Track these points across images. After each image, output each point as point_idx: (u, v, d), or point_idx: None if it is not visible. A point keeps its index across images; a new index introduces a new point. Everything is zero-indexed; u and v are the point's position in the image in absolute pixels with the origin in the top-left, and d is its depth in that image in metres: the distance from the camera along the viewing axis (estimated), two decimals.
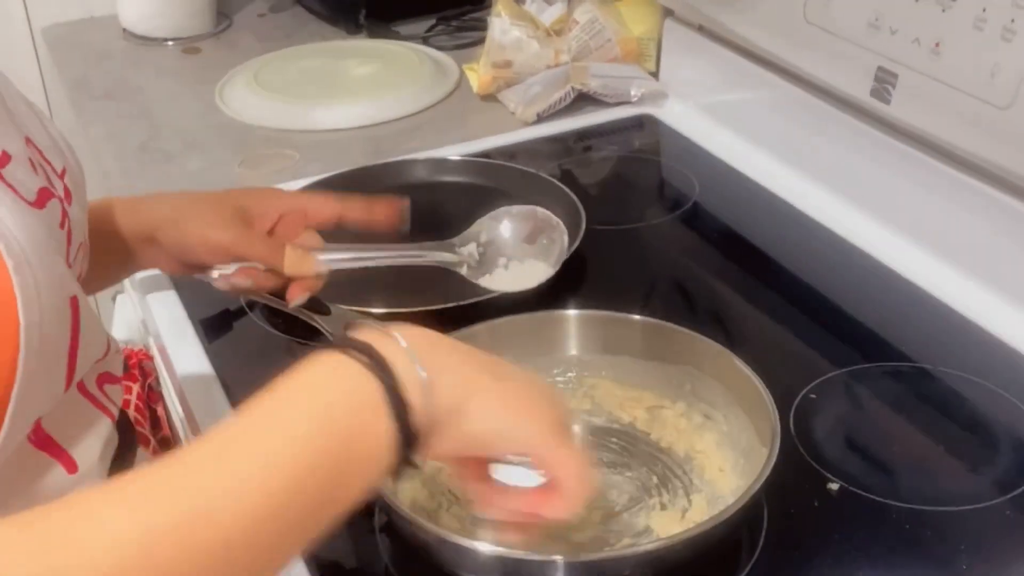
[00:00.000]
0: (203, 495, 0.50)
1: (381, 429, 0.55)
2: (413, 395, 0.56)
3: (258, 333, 1.00)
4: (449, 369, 0.59)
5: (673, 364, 0.88)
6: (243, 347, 0.96)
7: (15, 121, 0.70)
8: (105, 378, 0.75)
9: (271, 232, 0.91)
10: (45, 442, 0.67)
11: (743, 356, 0.83)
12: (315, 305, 0.93)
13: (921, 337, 0.99)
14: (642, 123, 1.41)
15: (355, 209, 0.93)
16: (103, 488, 0.50)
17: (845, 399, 0.92)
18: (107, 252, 0.88)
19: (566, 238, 0.91)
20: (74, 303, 0.64)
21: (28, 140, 0.70)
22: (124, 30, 1.76)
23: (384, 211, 0.93)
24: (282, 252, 0.89)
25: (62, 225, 0.68)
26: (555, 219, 0.91)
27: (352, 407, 0.55)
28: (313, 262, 0.90)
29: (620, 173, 1.33)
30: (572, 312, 0.92)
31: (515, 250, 0.91)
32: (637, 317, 0.90)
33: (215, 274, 0.90)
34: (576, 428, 0.70)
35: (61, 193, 0.70)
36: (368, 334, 0.58)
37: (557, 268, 0.89)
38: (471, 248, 0.91)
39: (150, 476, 0.51)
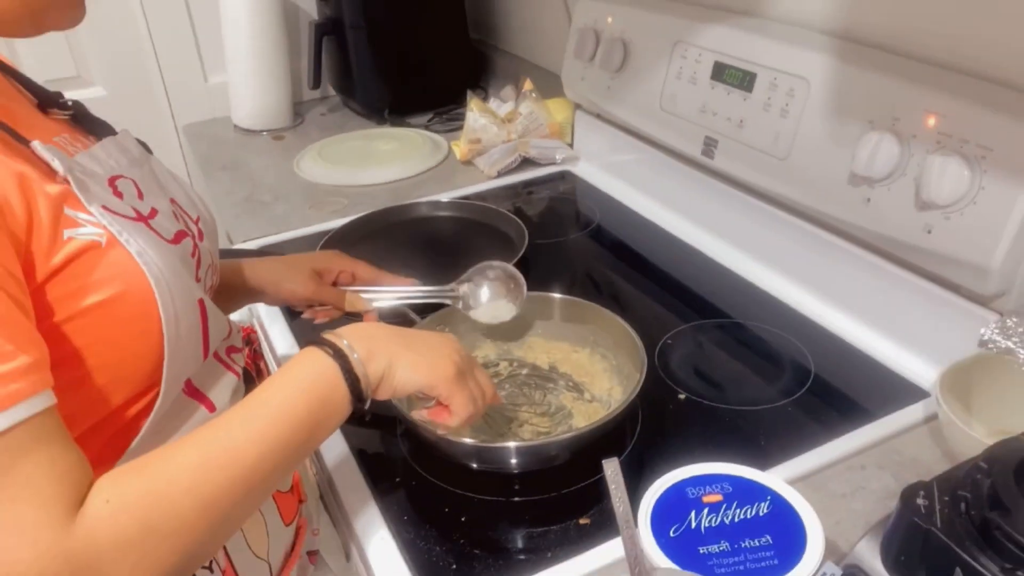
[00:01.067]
0: (235, 438, 0.54)
1: (340, 393, 0.59)
2: (357, 370, 0.60)
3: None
4: (377, 349, 0.62)
5: (582, 324, 0.88)
6: (310, 325, 0.95)
7: (162, 188, 0.68)
8: (231, 349, 0.73)
9: (335, 283, 0.88)
10: (193, 393, 0.66)
11: (626, 319, 0.82)
12: None
13: (736, 303, 0.98)
14: (564, 176, 1.38)
15: (385, 277, 0.90)
16: (186, 436, 0.53)
17: (690, 342, 0.92)
18: (234, 293, 0.85)
19: (525, 288, 0.88)
20: (201, 304, 0.62)
21: (172, 200, 0.68)
22: (235, 126, 1.70)
23: (404, 281, 0.91)
24: (343, 297, 0.87)
25: (192, 254, 0.66)
26: (519, 273, 0.89)
27: (323, 381, 0.59)
28: (363, 302, 0.87)
29: (551, 208, 1.29)
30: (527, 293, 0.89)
31: (493, 290, 0.89)
32: (558, 295, 0.89)
33: (305, 314, 0.89)
34: (476, 361, 0.70)
35: (195, 232, 0.68)
36: (329, 336, 0.61)
37: (519, 310, 0.87)
38: (465, 288, 0.88)
39: (206, 429, 0.54)
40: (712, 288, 1.02)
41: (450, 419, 0.66)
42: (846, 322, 0.91)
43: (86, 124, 0.68)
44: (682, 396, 0.82)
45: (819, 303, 0.95)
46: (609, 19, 1.20)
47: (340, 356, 0.60)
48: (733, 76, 0.99)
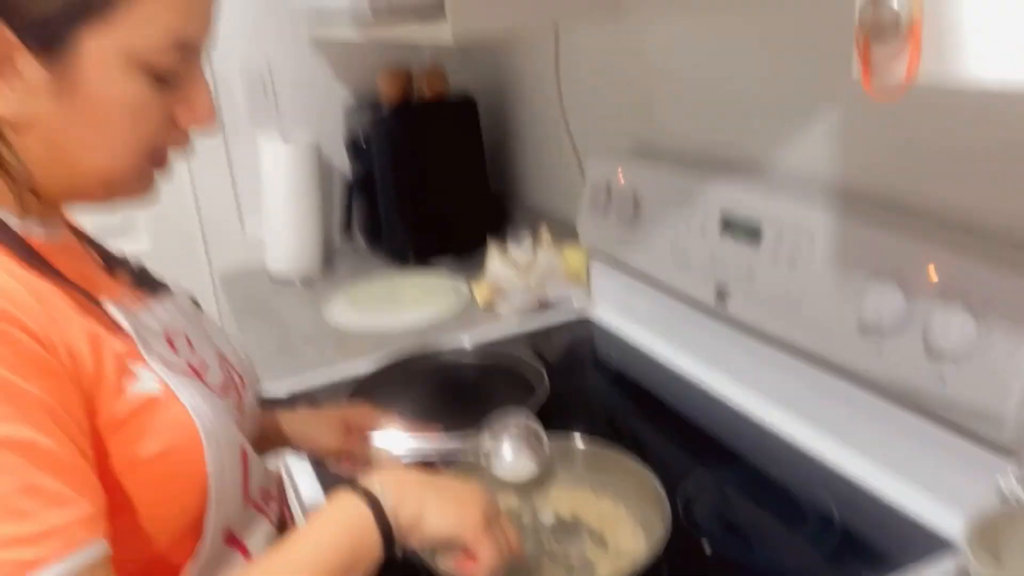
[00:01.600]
0: None
1: (373, 538, 0.60)
2: (389, 516, 0.60)
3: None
4: (408, 495, 0.62)
5: (604, 472, 0.87)
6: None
7: (211, 342, 0.71)
8: (266, 495, 0.75)
9: (363, 435, 0.90)
10: (232, 541, 0.67)
11: (647, 464, 0.82)
12: None
13: (756, 448, 0.97)
14: (582, 322, 1.40)
15: (413, 427, 0.92)
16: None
17: (712, 488, 0.90)
18: (265, 442, 0.86)
19: (547, 444, 0.88)
20: (243, 452, 0.64)
21: (219, 353, 0.71)
22: (269, 273, 1.77)
23: (430, 428, 0.93)
24: (370, 450, 0.89)
25: (237, 405, 0.69)
26: (540, 428, 0.89)
27: (356, 527, 0.60)
28: (389, 456, 0.89)
29: (570, 353, 1.31)
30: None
31: (516, 446, 0.88)
32: (580, 443, 0.90)
33: (331, 465, 0.91)
34: (501, 511, 0.70)
35: (238, 384, 0.71)
36: (362, 481, 0.62)
37: (541, 468, 0.87)
38: (488, 445, 0.88)
39: (247, 574, 0.57)
40: (731, 433, 1.02)
41: (477, 570, 0.65)
42: (866, 469, 0.90)
43: (147, 283, 0.73)
44: (708, 551, 0.81)
45: (838, 449, 0.94)
46: (620, 174, 1.27)
47: (373, 502, 0.60)
48: (741, 229, 1.03)
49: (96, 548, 0.49)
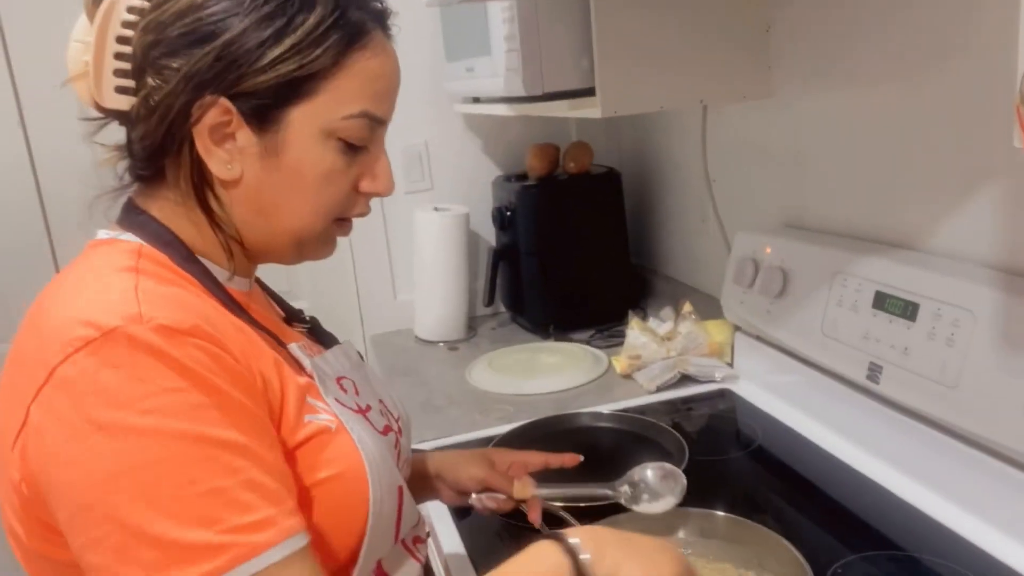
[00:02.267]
0: None
1: None
2: (585, 570, 0.59)
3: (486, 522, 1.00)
4: (606, 552, 0.61)
5: (745, 546, 0.86)
6: (482, 532, 0.98)
7: (373, 389, 0.78)
8: (416, 539, 0.78)
9: (506, 473, 0.93)
10: (381, 574, 0.71)
11: (792, 542, 0.81)
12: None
13: (909, 534, 0.92)
14: (723, 394, 1.38)
15: (553, 461, 0.95)
16: None
17: (860, 574, 0.87)
18: (416, 480, 0.91)
19: (684, 481, 0.89)
20: (400, 490, 0.69)
21: (380, 400, 0.77)
22: (416, 337, 1.86)
23: (568, 462, 0.96)
24: (512, 484, 0.91)
25: (395, 446, 0.74)
26: (678, 470, 0.90)
27: (553, 564, 0.59)
28: (531, 488, 0.90)
29: (710, 425, 1.29)
30: (686, 509, 0.90)
31: (654, 487, 0.90)
32: (721, 513, 0.89)
33: (474, 498, 0.93)
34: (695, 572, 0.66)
35: (396, 428, 0.77)
36: (564, 534, 0.62)
37: (679, 501, 0.88)
38: (626, 488, 0.90)
39: None
40: (882, 517, 0.97)
41: None
42: None
43: (318, 335, 0.81)
44: None
45: (998, 536, 0.88)
46: (768, 250, 1.27)
47: (571, 554, 0.60)
48: (895, 305, 1.01)
49: (305, 536, 0.56)
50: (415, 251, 1.83)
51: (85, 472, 0.52)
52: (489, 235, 1.94)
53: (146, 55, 0.62)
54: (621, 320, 1.65)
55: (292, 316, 0.82)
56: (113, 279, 0.59)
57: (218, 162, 0.64)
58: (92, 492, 0.52)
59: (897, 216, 1.10)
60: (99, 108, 0.65)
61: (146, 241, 0.65)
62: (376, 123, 0.68)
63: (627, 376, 1.48)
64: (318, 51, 0.62)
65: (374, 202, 1.95)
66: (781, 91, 1.29)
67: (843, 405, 1.14)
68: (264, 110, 0.63)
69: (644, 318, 1.58)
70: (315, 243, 0.71)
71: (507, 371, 1.57)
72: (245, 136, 0.64)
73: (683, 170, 1.69)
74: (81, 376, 0.53)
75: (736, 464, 1.16)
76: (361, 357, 0.83)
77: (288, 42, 0.61)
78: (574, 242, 1.76)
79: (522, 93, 1.30)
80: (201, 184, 0.65)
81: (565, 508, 0.95)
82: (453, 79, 1.68)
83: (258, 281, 0.82)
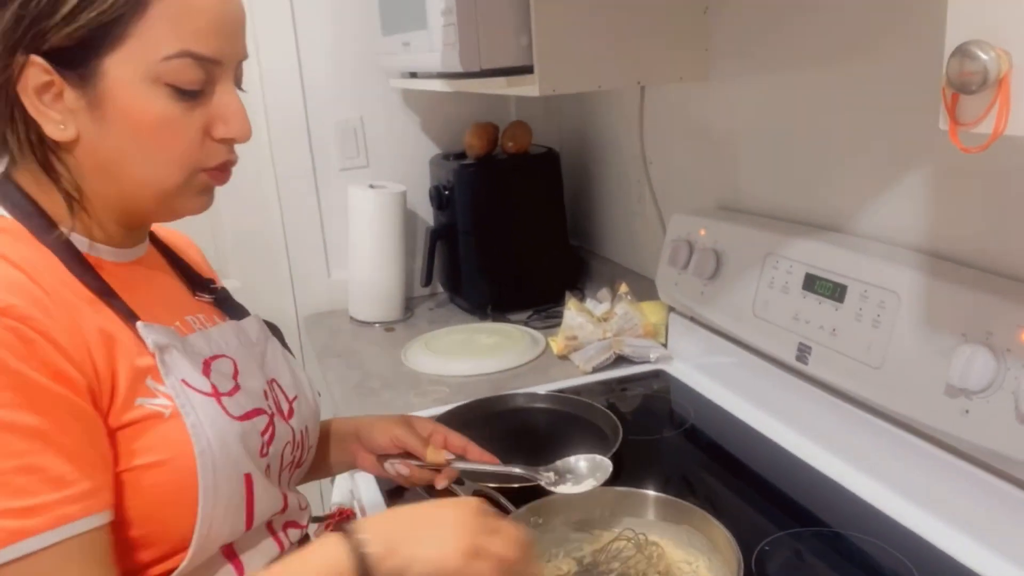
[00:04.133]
0: None
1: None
2: (371, 567, 0.60)
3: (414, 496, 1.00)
4: (399, 545, 0.62)
5: (676, 525, 0.86)
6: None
7: (264, 369, 0.77)
8: (290, 524, 0.79)
9: (424, 439, 0.93)
10: (230, 554, 0.71)
11: (722, 521, 0.81)
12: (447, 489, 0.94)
13: (834, 510, 0.95)
14: (658, 375, 1.39)
15: (473, 450, 0.94)
16: None
17: (788, 551, 0.88)
18: (335, 443, 0.93)
19: (610, 466, 0.89)
20: (248, 478, 0.68)
21: (271, 380, 0.76)
22: (351, 317, 1.83)
23: (487, 460, 0.94)
24: (426, 448, 0.91)
25: (264, 431, 0.72)
26: (607, 460, 0.90)
27: (333, 562, 0.60)
28: (443, 456, 0.90)
29: (644, 405, 1.31)
30: (619, 489, 0.91)
31: (580, 473, 0.90)
32: (652, 492, 0.89)
33: (387, 464, 0.92)
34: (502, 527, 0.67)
35: (283, 411, 0.76)
36: (353, 528, 0.62)
37: (600, 484, 0.88)
38: (550, 474, 0.90)
39: None
40: (809, 494, 1.00)
41: None
42: (950, 536, 0.87)
43: (225, 307, 0.81)
44: None
45: (920, 514, 0.91)
46: (702, 232, 1.28)
47: (356, 550, 0.61)
48: (824, 287, 1.03)
49: (96, 520, 0.57)
50: (350, 229, 1.80)
51: None
52: (427, 214, 1.91)
53: None
54: (559, 301, 1.65)
55: (198, 286, 0.81)
56: None
57: (50, 123, 0.64)
58: None
59: (827, 199, 1.13)
60: None
61: (10, 213, 0.66)
62: (206, 62, 0.66)
63: (563, 357, 1.49)
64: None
65: (307, 176, 1.91)
66: (717, 73, 1.30)
67: (773, 385, 1.16)
68: (78, 63, 0.63)
69: (581, 299, 1.58)
70: (182, 196, 0.70)
71: (444, 352, 1.56)
72: (70, 94, 0.64)
73: (621, 151, 1.70)
74: None
75: (669, 444, 1.18)
76: (274, 334, 0.83)
77: None
78: (512, 222, 1.75)
79: (459, 69, 1.27)
80: (41, 147, 0.66)
81: (498, 490, 0.94)
82: (389, 54, 1.64)
83: (167, 252, 0.82)
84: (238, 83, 0.71)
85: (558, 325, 1.54)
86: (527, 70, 1.25)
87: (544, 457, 0.94)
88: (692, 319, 1.37)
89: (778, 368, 1.14)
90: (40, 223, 0.67)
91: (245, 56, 0.71)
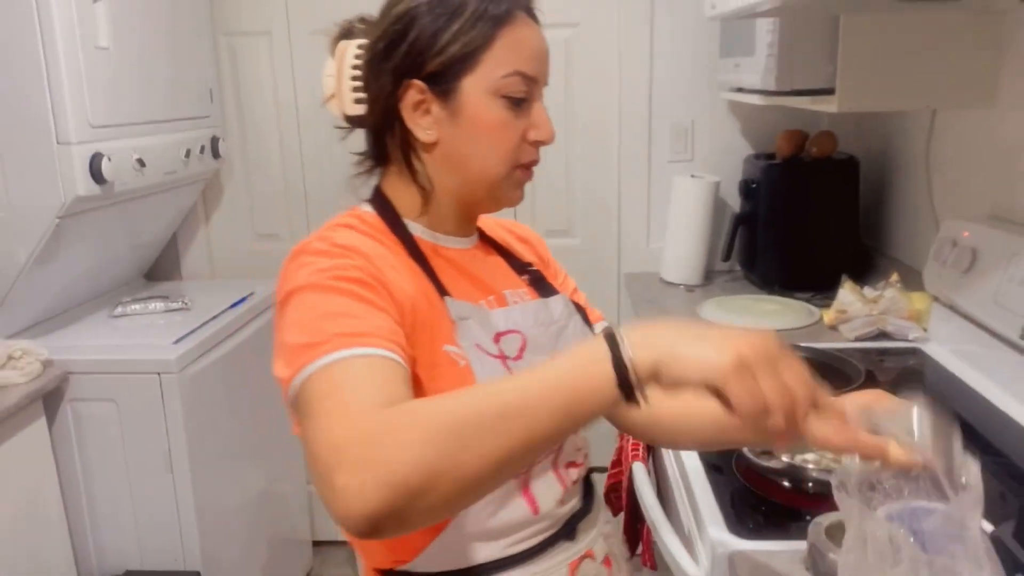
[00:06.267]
0: (500, 387, 0.60)
1: (604, 380, 0.58)
2: (627, 359, 0.58)
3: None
4: (656, 340, 0.59)
5: None
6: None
7: (556, 344, 0.87)
8: (571, 464, 0.89)
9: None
10: (525, 488, 0.83)
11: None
12: None
13: None
14: (915, 352, 1.59)
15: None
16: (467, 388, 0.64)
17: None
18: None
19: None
20: None
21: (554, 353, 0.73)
22: (661, 278, 2.24)
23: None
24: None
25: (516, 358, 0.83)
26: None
27: (587, 367, 0.59)
28: None
29: (898, 378, 1.47)
30: None
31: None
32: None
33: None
34: (781, 356, 0.58)
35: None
36: (612, 330, 0.61)
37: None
38: None
39: (484, 383, 0.73)
40: None
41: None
42: None
43: (537, 286, 0.96)
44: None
45: None
46: (965, 233, 1.52)
47: (612, 345, 0.59)
48: None
49: (394, 356, 0.67)
50: (670, 208, 2.23)
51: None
52: (735, 203, 2.27)
53: (368, 70, 0.85)
54: (837, 286, 1.88)
55: (519, 270, 0.96)
56: (330, 227, 0.83)
57: (420, 130, 0.83)
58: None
59: None
60: (346, 118, 0.89)
61: (374, 209, 0.87)
62: (529, 80, 0.82)
63: (833, 327, 1.76)
64: (473, 32, 0.80)
65: (643, 163, 2.46)
66: (1001, 100, 1.51)
67: (1010, 360, 1.35)
68: (443, 84, 0.81)
69: (858, 284, 1.84)
70: (504, 188, 0.86)
71: (732, 311, 1.90)
72: (436, 107, 0.82)
73: (912, 163, 1.92)
74: (293, 258, 0.78)
75: None
76: (577, 312, 0.93)
77: (454, 29, 0.80)
78: (809, 216, 2.04)
79: (775, 88, 1.65)
80: (407, 150, 0.86)
81: None
82: (724, 72, 2.05)
83: (498, 247, 0.97)
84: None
85: (831, 302, 1.80)
86: (830, 91, 1.58)
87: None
88: (952, 309, 1.57)
89: (1011, 348, 1.34)
90: (393, 218, 0.85)
91: (547, 81, 0.87)
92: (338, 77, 0.88)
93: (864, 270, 2.10)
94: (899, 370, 1.57)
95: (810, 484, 1.06)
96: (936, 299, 1.66)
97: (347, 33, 0.90)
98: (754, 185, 2.12)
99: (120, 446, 1.73)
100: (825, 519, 0.86)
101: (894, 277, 1.76)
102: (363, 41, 0.87)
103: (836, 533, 0.83)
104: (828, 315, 1.79)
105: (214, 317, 1.98)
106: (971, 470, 0.62)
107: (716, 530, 1.02)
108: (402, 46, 0.81)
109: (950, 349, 1.59)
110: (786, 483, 1.08)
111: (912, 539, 0.61)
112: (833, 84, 1.57)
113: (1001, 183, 1.56)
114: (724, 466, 1.17)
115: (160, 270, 2.46)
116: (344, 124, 0.91)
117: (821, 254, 2.07)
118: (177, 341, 1.79)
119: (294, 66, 2.33)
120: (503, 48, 0.81)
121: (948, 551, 0.59)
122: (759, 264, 2.15)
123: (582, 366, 0.60)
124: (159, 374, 1.69)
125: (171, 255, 2.47)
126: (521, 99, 0.83)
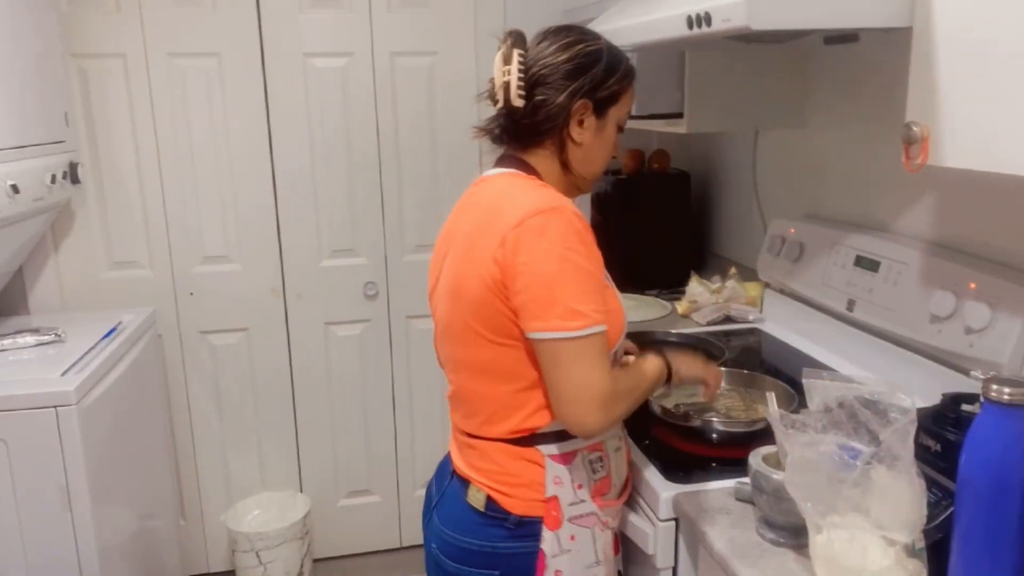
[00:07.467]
0: (642, 384, 1.15)
1: (663, 380, 1.20)
2: (673, 373, 1.22)
3: None
4: (678, 364, 1.23)
5: (757, 389, 1.47)
6: None
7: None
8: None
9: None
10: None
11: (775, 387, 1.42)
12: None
13: None
14: (753, 332, 1.93)
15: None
16: (637, 381, 1.15)
17: None
18: None
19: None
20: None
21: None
22: None
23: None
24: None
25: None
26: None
27: (659, 373, 1.19)
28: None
29: (742, 348, 1.83)
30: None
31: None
32: (743, 371, 1.48)
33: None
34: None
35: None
36: (664, 353, 1.22)
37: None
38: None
39: (637, 379, 1.15)
40: None
41: (710, 391, 1.29)
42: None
43: None
44: None
45: None
46: (792, 230, 1.86)
47: (668, 365, 1.21)
48: (866, 263, 1.59)
49: (603, 329, 1.05)
50: None
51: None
52: (587, 214, 2.52)
53: (538, 80, 1.13)
54: (681, 284, 2.21)
55: None
56: (539, 189, 1.12)
57: (576, 133, 1.16)
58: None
59: (873, 207, 1.68)
60: (506, 105, 1.14)
61: (522, 172, 1.17)
62: (627, 116, 1.23)
63: (686, 316, 2.06)
64: (624, 82, 1.18)
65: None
66: (810, 123, 1.88)
67: (834, 331, 1.71)
68: (601, 107, 1.17)
69: (701, 277, 2.16)
70: (595, 183, 1.26)
71: None
72: (590, 121, 1.16)
73: (737, 175, 2.28)
74: (545, 224, 1.05)
75: (755, 367, 1.74)
76: None
77: (617, 75, 1.16)
78: (653, 224, 2.35)
79: (634, 112, 1.90)
80: (563, 146, 1.18)
81: None
82: None
83: None
84: None
85: (681, 294, 2.12)
86: (678, 115, 1.86)
87: None
88: (781, 292, 1.93)
89: (835, 319, 1.69)
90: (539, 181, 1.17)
91: None
92: (511, 75, 1.12)
93: (703, 268, 2.44)
94: (742, 347, 1.89)
95: (714, 435, 1.30)
96: (768, 286, 2.00)
97: (519, 42, 1.14)
98: (604, 199, 2.39)
99: (10, 487, 1.63)
100: (761, 451, 1.09)
101: (732, 270, 2.08)
102: (524, 55, 1.13)
103: (771, 461, 1.06)
104: (682, 306, 2.08)
105: (92, 347, 1.91)
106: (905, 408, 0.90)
107: (657, 483, 1.22)
108: (587, 75, 1.13)
109: (783, 325, 1.93)
110: (699, 437, 1.32)
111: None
112: (681, 109, 1.86)
113: (813, 189, 1.92)
114: (643, 434, 1.38)
115: (4, 304, 2.29)
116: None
117: (663, 257, 2.38)
118: (64, 373, 1.73)
119: (152, 89, 2.28)
120: (628, 96, 1.19)
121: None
122: (612, 267, 2.39)
123: (661, 370, 1.19)
124: (55, 407, 1.62)
125: (17, 287, 2.31)
126: (621, 129, 1.21)
